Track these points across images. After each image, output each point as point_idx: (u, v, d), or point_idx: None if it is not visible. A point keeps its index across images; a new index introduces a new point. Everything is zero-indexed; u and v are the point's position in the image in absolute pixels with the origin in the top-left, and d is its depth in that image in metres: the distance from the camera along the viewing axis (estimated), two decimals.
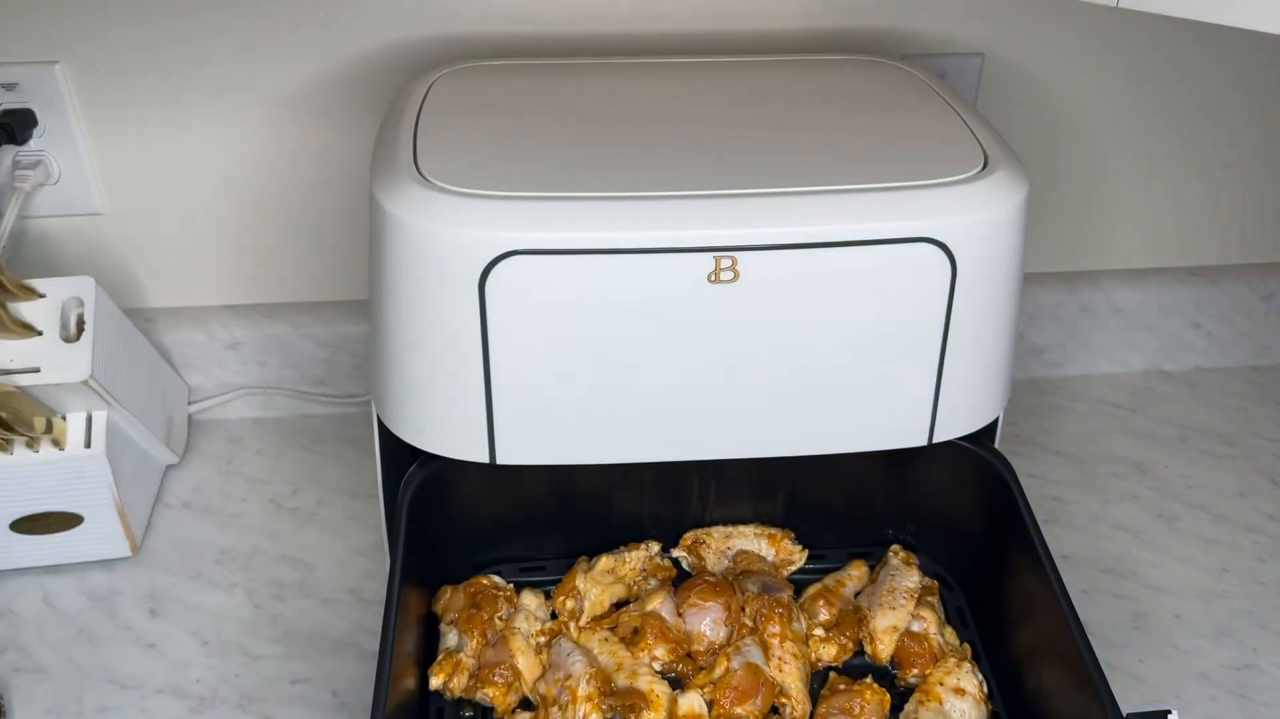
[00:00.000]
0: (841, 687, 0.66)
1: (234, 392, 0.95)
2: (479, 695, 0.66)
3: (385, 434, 0.68)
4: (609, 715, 0.63)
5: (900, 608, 0.70)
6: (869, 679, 0.67)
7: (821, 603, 0.71)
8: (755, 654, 0.66)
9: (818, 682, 0.69)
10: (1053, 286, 0.99)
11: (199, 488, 0.88)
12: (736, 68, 0.78)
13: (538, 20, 0.84)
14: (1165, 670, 0.74)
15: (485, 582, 0.71)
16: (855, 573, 0.74)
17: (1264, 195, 1.00)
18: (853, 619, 0.71)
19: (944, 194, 0.61)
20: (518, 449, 0.64)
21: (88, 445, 0.77)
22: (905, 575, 0.72)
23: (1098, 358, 1.03)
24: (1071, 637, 0.61)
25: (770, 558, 0.75)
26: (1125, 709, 0.58)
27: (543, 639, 0.68)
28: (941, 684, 0.66)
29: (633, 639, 0.67)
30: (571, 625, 0.69)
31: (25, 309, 0.76)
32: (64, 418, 0.77)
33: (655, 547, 0.74)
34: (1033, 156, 0.93)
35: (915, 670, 0.69)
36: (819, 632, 0.70)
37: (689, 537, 0.75)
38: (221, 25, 0.82)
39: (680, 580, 0.73)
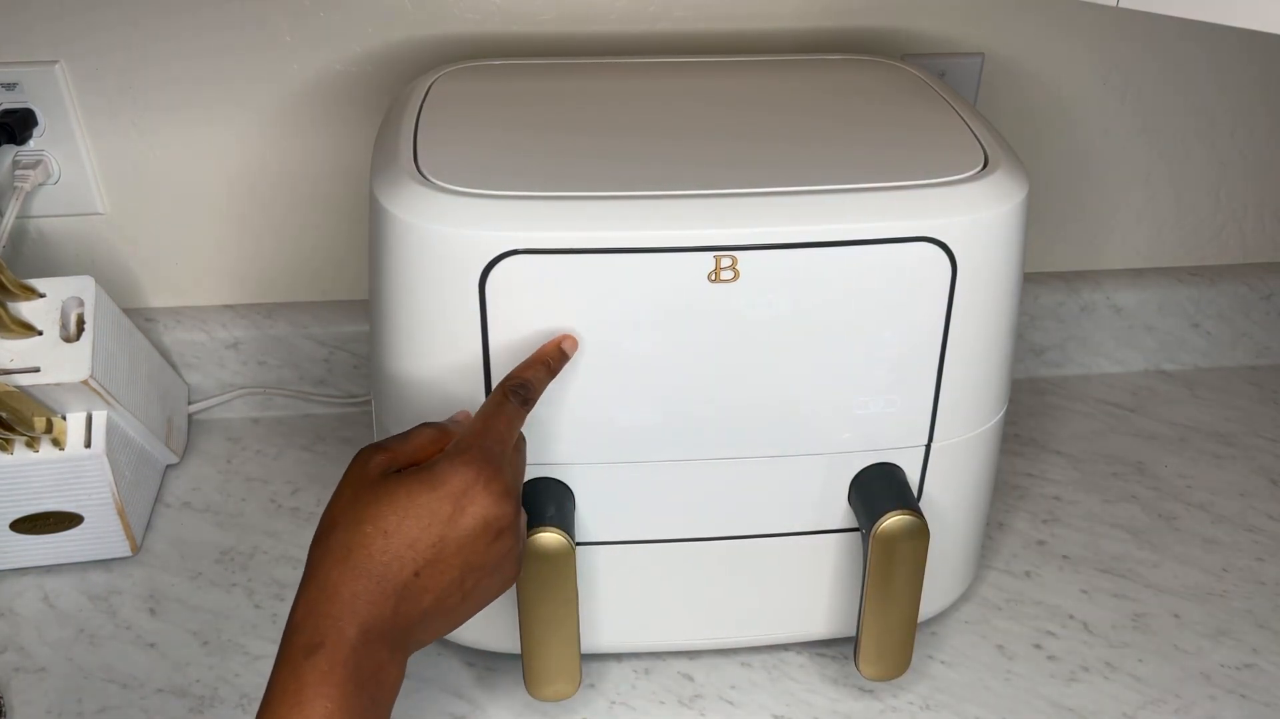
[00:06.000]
0: None
1: (234, 391, 0.95)
2: None
3: (384, 434, 0.67)
4: None
5: None
6: None
7: None
8: None
9: None
10: (1053, 286, 0.99)
11: (199, 488, 0.88)
12: (736, 68, 0.78)
13: (538, 20, 0.84)
14: (1165, 670, 0.74)
15: None
16: None
17: (1264, 195, 1.01)
18: None
19: (944, 194, 0.61)
20: None
21: (88, 445, 0.77)
22: None
23: (1098, 358, 1.03)
24: None
25: None
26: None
27: None
28: None
29: None
30: None
31: (25, 309, 0.76)
32: (64, 417, 0.77)
33: None
34: (1033, 156, 0.93)
35: None
36: None
37: None
38: (221, 25, 0.83)
39: None
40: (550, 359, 0.59)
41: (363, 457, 0.55)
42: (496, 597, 0.57)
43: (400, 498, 0.52)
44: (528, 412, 0.58)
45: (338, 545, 0.51)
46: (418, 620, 0.52)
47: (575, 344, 0.60)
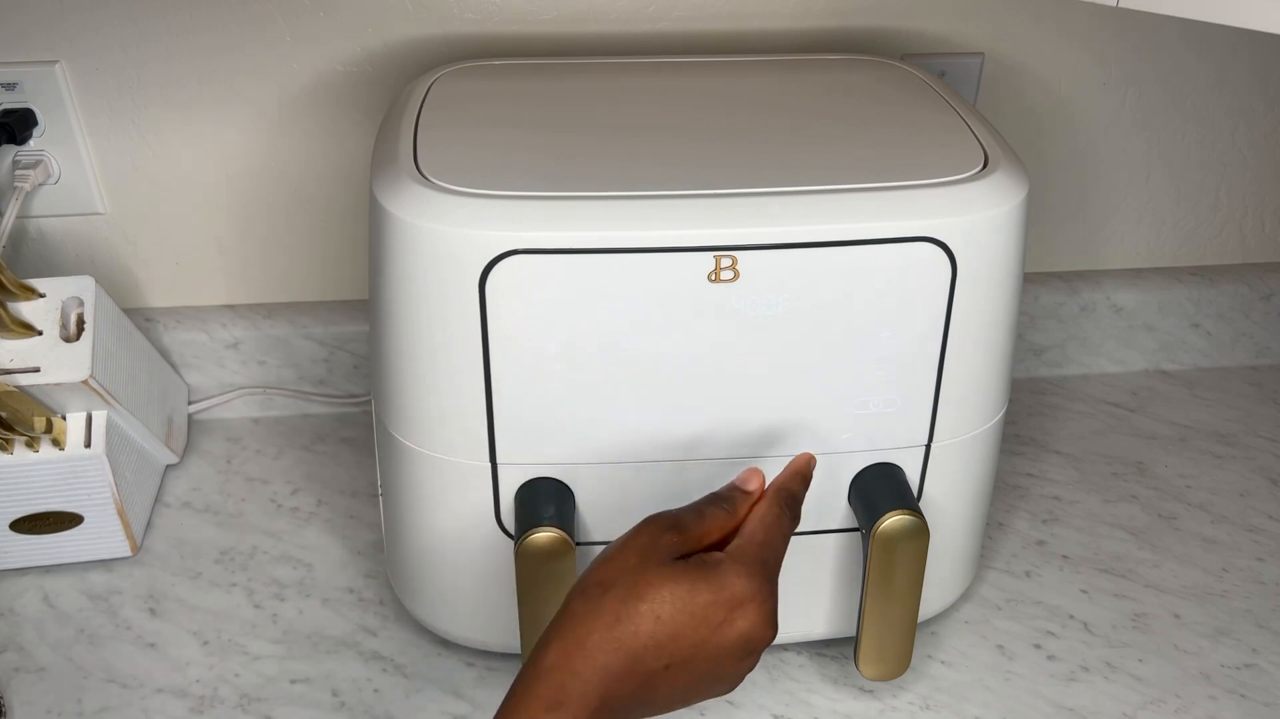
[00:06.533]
0: None
1: (234, 391, 0.95)
2: None
3: (384, 434, 0.68)
4: None
5: None
6: None
7: None
8: None
9: None
10: (1053, 286, 0.99)
11: (199, 488, 0.88)
12: (736, 68, 0.78)
13: (538, 20, 0.84)
14: (1165, 670, 0.74)
15: None
16: None
17: (1264, 195, 1.01)
18: None
19: (944, 194, 0.61)
20: (518, 449, 0.64)
21: (88, 445, 0.77)
22: None
23: (1098, 358, 1.03)
24: None
25: None
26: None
27: None
28: None
29: None
30: None
31: (25, 309, 0.76)
32: (64, 417, 0.77)
33: None
34: (1033, 156, 0.93)
35: None
36: None
37: None
38: (221, 25, 0.83)
39: None
40: (803, 472, 0.60)
41: (655, 528, 0.54)
42: (702, 701, 0.56)
43: (683, 589, 0.52)
44: (796, 526, 0.58)
45: (608, 610, 0.51)
46: (643, 705, 0.52)
47: (814, 460, 0.61)
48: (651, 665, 0.51)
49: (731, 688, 0.55)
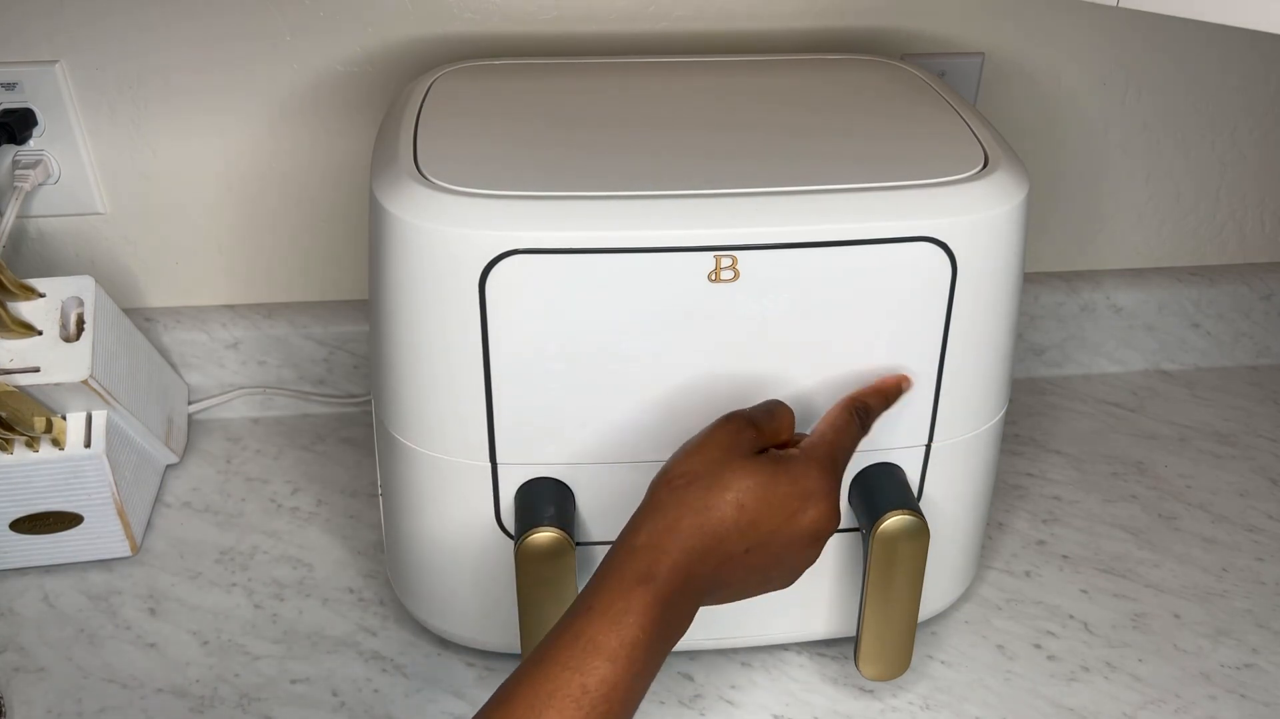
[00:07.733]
0: None
1: (234, 391, 0.95)
2: None
3: (384, 434, 0.68)
4: None
5: None
6: None
7: None
8: None
9: None
10: (1053, 286, 0.99)
11: (199, 488, 0.88)
12: (736, 67, 0.78)
13: (537, 20, 0.85)
14: (1165, 670, 0.74)
15: None
16: None
17: (1264, 195, 1.01)
18: None
19: (944, 194, 0.61)
20: (517, 450, 0.64)
21: (87, 445, 0.77)
22: None
23: (1098, 358, 1.03)
24: None
25: None
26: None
27: None
28: None
29: None
30: None
31: (25, 309, 0.76)
32: (64, 417, 0.77)
33: None
34: (1033, 156, 0.93)
35: None
36: None
37: None
38: (222, 24, 0.83)
39: None
40: (889, 392, 0.63)
41: (735, 425, 0.58)
42: (773, 590, 0.60)
43: (764, 480, 0.56)
44: (864, 435, 0.61)
45: (695, 499, 0.55)
46: (724, 586, 0.56)
47: (911, 383, 0.63)
48: (733, 549, 0.55)
49: (791, 580, 0.59)
